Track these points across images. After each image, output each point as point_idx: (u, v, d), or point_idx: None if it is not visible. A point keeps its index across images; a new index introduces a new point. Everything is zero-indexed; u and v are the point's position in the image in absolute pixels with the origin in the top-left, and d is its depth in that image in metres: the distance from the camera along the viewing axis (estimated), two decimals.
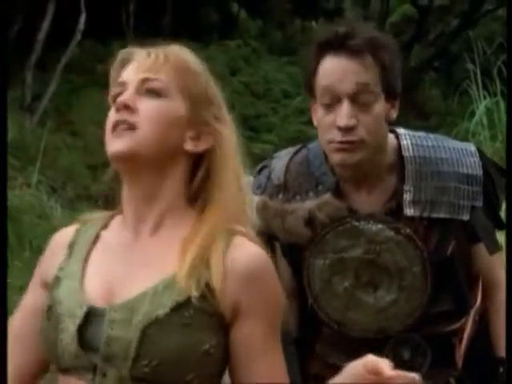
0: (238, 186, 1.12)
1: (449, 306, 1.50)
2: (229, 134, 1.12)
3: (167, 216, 1.10)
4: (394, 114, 1.50)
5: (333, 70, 1.43)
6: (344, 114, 1.41)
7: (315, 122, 1.50)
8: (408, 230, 1.46)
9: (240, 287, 1.05)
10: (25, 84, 6.85)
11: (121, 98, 1.08)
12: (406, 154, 1.49)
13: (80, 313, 1.06)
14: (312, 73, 1.46)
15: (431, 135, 1.55)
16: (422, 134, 1.55)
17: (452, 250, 1.48)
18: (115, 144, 1.07)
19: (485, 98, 4.85)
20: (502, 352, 1.50)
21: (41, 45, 6.86)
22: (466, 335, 1.51)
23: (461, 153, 1.52)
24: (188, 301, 1.03)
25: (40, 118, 6.65)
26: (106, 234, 1.14)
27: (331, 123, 1.43)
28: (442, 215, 1.48)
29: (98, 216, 1.17)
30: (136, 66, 1.11)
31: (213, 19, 9.94)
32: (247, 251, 1.07)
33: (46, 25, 6.93)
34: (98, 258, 1.12)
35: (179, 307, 1.03)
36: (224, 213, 1.09)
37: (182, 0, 8.90)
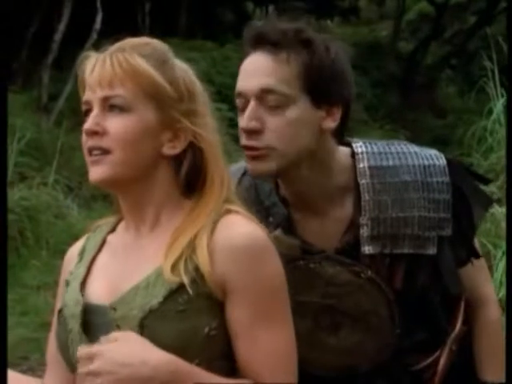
0: (225, 173, 1.11)
1: (423, 339, 1.35)
2: (206, 124, 1.10)
3: (163, 213, 1.10)
4: (330, 124, 1.25)
5: (243, 70, 1.26)
6: (246, 115, 1.22)
7: None
8: (369, 273, 1.28)
9: (226, 265, 1.03)
10: (41, 84, 6.90)
11: (88, 124, 1.07)
12: (362, 180, 1.28)
13: (77, 311, 1.07)
14: None
15: (394, 148, 1.32)
16: (382, 147, 1.32)
17: (423, 281, 1.31)
18: (93, 172, 1.08)
19: (502, 95, 4.81)
20: (486, 375, 1.37)
21: (57, 45, 6.90)
22: (440, 368, 1.36)
23: (427, 172, 1.30)
24: (180, 287, 1.02)
25: (56, 118, 6.69)
26: (111, 238, 1.16)
27: (239, 128, 1.25)
28: (405, 251, 1.29)
29: (106, 221, 1.19)
30: (89, 80, 1.08)
31: (228, 18, 9.95)
32: (235, 230, 1.05)
33: (62, 25, 6.97)
34: (103, 260, 1.13)
35: (172, 294, 1.02)
36: (215, 200, 1.09)
37: (197, 0, 8.91)
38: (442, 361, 1.35)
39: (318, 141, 1.26)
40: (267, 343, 1.04)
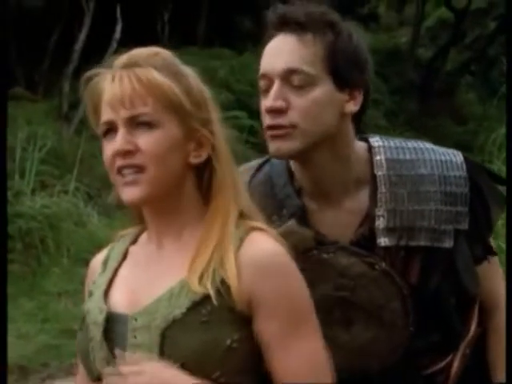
0: (237, 177, 1.12)
1: (437, 340, 1.33)
2: (219, 130, 1.11)
3: (187, 223, 1.11)
4: (352, 107, 1.27)
5: (268, 52, 1.27)
6: (271, 95, 1.23)
7: None
8: (384, 265, 1.27)
9: (253, 282, 1.04)
10: (62, 93, 6.96)
11: (118, 144, 1.05)
12: (378, 172, 1.29)
13: (100, 319, 1.08)
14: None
15: (410, 144, 1.33)
16: (399, 143, 1.33)
17: (439, 277, 1.29)
18: (129, 193, 1.07)
19: None
20: (500, 378, 1.35)
21: (78, 54, 6.97)
22: (453, 372, 1.34)
23: (444, 166, 1.30)
24: (204, 298, 1.03)
25: (77, 127, 6.75)
26: (134, 249, 1.16)
27: (264, 109, 1.25)
28: (421, 243, 1.27)
29: (129, 232, 1.20)
30: (111, 100, 1.06)
31: (247, 26, 9.98)
32: (260, 247, 1.06)
33: (82, 35, 7.05)
34: (125, 271, 1.14)
35: (196, 305, 1.03)
36: (227, 209, 1.09)
37: (216, 8, 8.95)
38: (456, 364, 1.34)
39: (340, 124, 1.27)
40: (300, 352, 1.05)
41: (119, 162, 1.06)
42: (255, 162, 1.38)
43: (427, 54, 11.57)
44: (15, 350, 3.69)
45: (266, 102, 1.25)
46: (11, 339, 3.84)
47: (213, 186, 1.10)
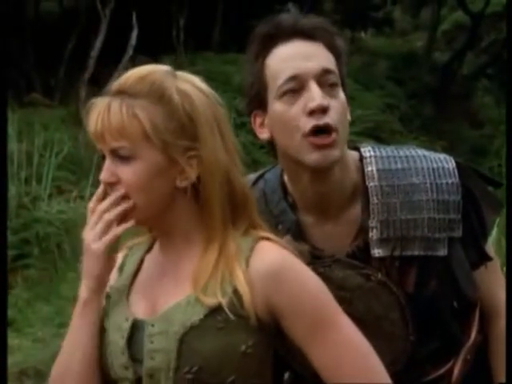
0: (239, 195, 1.12)
1: (437, 347, 1.33)
2: (210, 151, 1.10)
3: (190, 234, 1.14)
4: (349, 116, 1.29)
5: (290, 54, 1.24)
6: (315, 94, 1.21)
7: (263, 134, 1.29)
8: (379, 276, 1.28)
9: (268, 295, 1.07)
10: (78, 99, 7.01)
11: (103, 176, 1.14)
12: (370, 184, 1.29)
13: (126, 326, 1.11)
14: (259, 72, 1.26)
15: (402, 152, 1.32)
16: (391, 151, 1.32)
17: (436, 285, 1.29)
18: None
19: None
20: (502, 380, 1.35)
21: (94, 61, 7.01)
22: (454, 378, 1.34)
23: (436, 174, 1.29)
24: (220, 306, 1.07)
25: None
26: (148, 257, 1.20)
27: (300, 111, 1.22)
28: (415, 253, 1.28)
29: (142, 240, 1.23)
30: (95, 134, 1.12)
31: None
32: (267, 257, 1.09)
33: (99, 42, 7.10)
34: (142, 277, 1.18)
35: (212, 312, 1.07)
36: (220, 226, 1.10)
37: (232, 13, 8.98)
38: (457, 370, 1.34)
39: None
40: (336, 341, 1.07)
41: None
42: (251, 177, 1.38)
43: (443, 57, 11.52)
44: (32, 355, 3.71)
45: (312, 103, 1.22)
46: (28, 343, 3.87)
47: (204, 205, 1.11)
